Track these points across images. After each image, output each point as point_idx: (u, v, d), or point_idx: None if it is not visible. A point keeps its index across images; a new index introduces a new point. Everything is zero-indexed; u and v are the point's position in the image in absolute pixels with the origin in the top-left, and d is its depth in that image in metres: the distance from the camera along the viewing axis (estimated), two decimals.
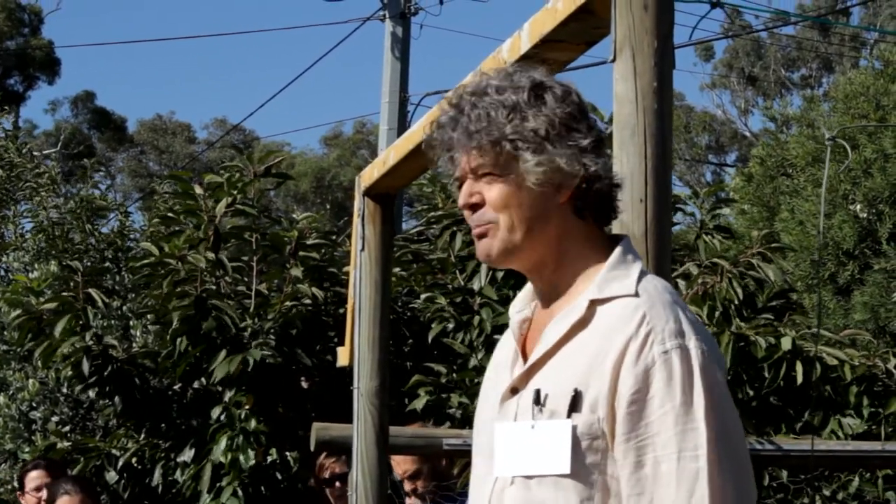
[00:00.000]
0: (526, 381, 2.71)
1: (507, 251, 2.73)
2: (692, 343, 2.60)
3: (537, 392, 2.64)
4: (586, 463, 2.60)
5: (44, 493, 7.10)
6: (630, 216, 3.07)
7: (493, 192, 2.72)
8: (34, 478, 7.51)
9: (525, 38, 3.60)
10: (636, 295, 2.66)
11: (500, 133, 2.69)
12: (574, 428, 2.60)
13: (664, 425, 2.57)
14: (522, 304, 2.85)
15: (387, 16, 17.25)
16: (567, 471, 2.59)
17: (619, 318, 2.63)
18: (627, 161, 3.09)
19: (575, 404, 2.61)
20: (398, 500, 6.63)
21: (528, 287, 2.86)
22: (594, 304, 2.67)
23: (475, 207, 2.74)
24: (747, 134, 42.43)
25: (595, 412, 2.60)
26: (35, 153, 11.81)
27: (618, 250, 2.74)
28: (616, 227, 3.11)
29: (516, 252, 2.74)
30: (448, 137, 2.75)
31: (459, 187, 2.78)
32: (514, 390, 2.72)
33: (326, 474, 7.05)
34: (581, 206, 2.72)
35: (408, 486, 6.51)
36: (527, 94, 2.70)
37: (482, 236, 2.74)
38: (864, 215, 12.10)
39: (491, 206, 2.72)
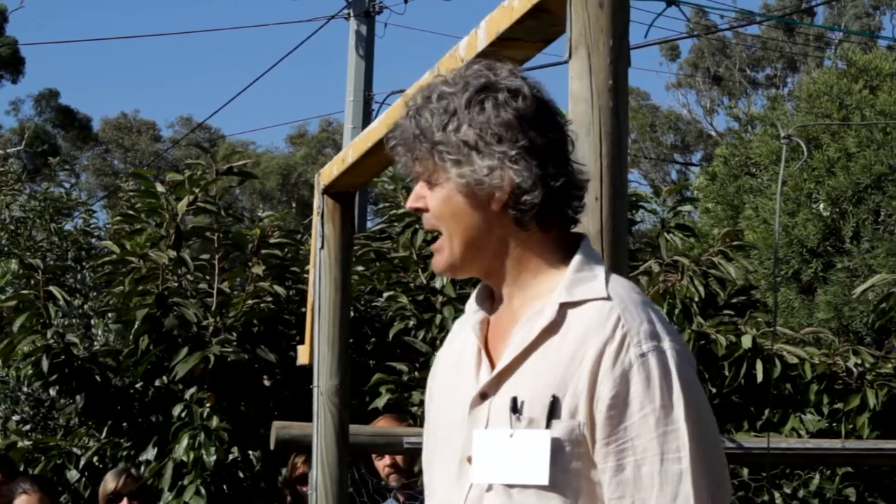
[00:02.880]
0: (496, 386, 2.65)
1: (452, 266, 2.71)
2: (667, 344, 2.57)
3: (514, 399, 2.59)
4: (569, 469, 2.56)
5: None
6: (585, 214, 3.07)
7: (432, 199, 2.70)
8: None
9: (482, 36, 3.59)
10: (608, 298, 2.61)
11: (431, 142, 2.65)
12: (553, 437, 2.56)
13: (644, 428, 2.53)
14: (479, 302, 2.78)
15: (351, 14, 17.22)
16: (545, 482, 2.55)
17: (593, 322, 2.58)
18: (582, 159, 3.09)
19: (553, 411, 2.56)
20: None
21: (484, 285, 2.80)
22: (564, 307, 2.62)
23: (419, 211, 2.73)
24: (713, 133, 42.53)
25: (575, 417, 2.56)
26: None
27: (579, 253, 2.69)
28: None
29: (461, 265, 2.71)
30: (402, 138, 2.70)
31: None
32: (484, 395, 2.66)
33: (297, 473, 7.07)
34: (519, 216, 2.65)
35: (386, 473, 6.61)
36: (467, 100, 2.64)
37: (435, 251, 2.73)
38: (828, 214, 12.15)
39: (431, 214, 2.71)
